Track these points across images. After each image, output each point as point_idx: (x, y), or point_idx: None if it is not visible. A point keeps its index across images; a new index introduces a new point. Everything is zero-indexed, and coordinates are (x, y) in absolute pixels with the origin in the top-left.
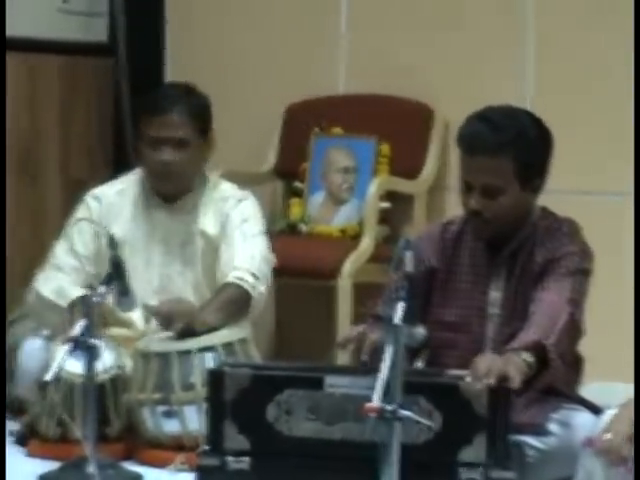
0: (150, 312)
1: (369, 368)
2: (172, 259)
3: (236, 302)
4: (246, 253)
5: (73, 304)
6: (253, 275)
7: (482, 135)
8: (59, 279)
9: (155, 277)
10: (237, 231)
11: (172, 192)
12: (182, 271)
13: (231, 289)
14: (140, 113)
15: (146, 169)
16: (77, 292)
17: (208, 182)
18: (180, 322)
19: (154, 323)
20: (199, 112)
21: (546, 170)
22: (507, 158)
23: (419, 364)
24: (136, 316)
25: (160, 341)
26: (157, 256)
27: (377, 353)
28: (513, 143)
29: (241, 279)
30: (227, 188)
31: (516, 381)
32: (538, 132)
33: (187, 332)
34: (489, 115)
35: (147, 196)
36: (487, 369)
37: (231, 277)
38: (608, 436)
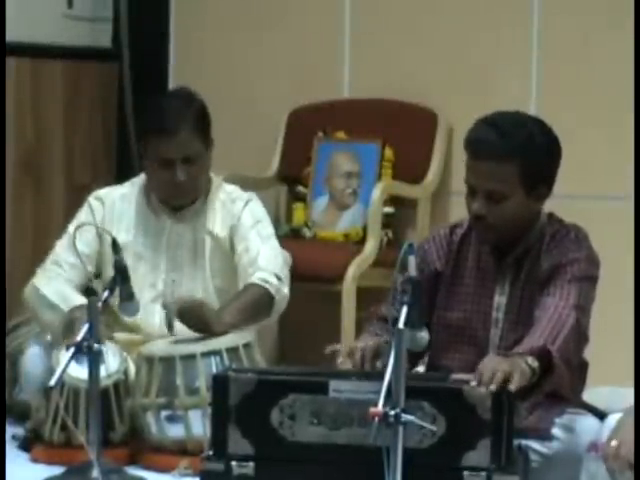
0: (169, 309)
1: (373, 373)
2: (180, 264)
3: (258, 304)
4: (269, 254)
5: (72, 311)
6: (277, 277)
7: (489, 140)
8: (59, 279)
9: (160, 282)
10: (252, 232)
11: (183, 205)
12: (192, 275)
13: (254, 290)
14: (144, 130)
15: (155, 185)
16: (79, 298)
17: (212, 183)
18: (196, 319)
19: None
20: (203, 124)
21: (553, 178)
22: (513, 165)
23: (420, 367)
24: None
25: (164, 345)
26: (163, 262)
27: (378, 357)
28: (520, 150)
29: (266, 281)
30: (232, 189)
31: (515, 382)
32: (546, 140)
33: (205, 330)
34: (498, 120)
35: (152, 204)
36: (492, 371)
37: (255, 278)
38: (613, 443)
